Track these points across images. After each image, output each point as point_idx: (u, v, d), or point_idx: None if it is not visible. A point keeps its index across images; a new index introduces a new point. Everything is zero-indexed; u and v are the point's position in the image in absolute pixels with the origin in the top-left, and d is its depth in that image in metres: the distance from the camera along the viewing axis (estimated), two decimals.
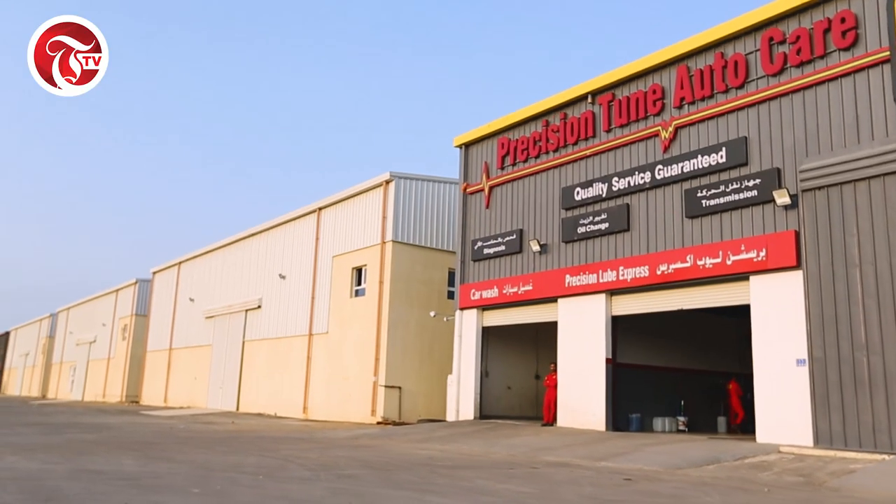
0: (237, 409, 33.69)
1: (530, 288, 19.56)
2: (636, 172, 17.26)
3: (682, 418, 19.16)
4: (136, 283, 51.16)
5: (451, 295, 26.68)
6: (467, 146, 22.83)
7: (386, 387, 24.49)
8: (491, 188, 21.64)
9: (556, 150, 19.69)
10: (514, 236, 20.43)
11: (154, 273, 48.34)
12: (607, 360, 17.39)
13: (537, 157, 20.25)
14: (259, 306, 33.52)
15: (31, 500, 7.41)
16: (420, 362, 25.42)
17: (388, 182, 26.10)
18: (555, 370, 18.92)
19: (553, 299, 19.00)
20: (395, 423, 23.67)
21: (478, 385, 21.14)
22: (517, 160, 20.88)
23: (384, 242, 25.73)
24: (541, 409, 23.45)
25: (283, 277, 31.87)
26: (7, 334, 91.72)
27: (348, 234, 28.01)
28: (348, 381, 26.33)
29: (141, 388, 46.95)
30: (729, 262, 14.80)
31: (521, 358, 23.62)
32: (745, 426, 19.58)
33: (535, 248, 19.46)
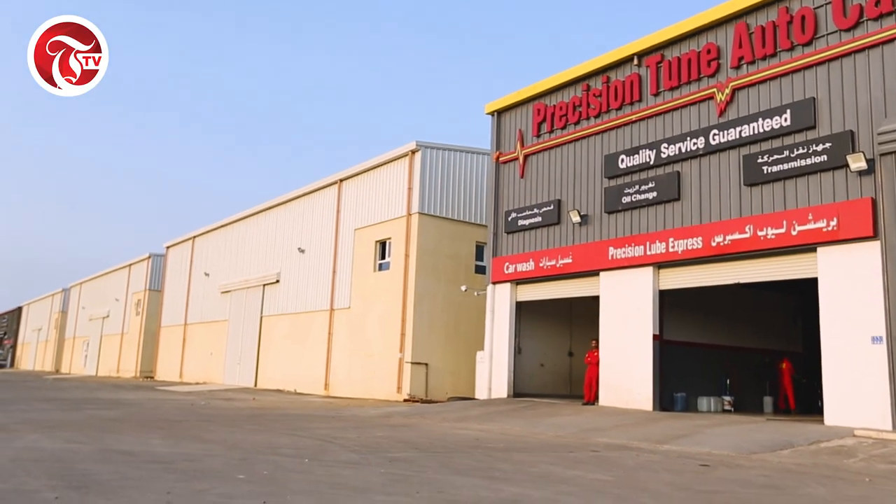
0: (255, 385, 33.02)
1: (570, 261, 18.59)
2: (688, 138, 16.19)
3: (727, 398, 18.24)
4: (149, 257, 50.46)
5: (478, 269, 25.78)
6: (499, 113, 21.76)
7: (412, 363, 23.67)
8: (526, 157, 20.60)
9: (597, 116, 18.61)
10: (552, 207, 19.43)
11: (167, 248, 47.58)
12: (654, 337, 16.46)
13: (577, 123, 19.18)
14: (277, 281, 32.70)
15: (62, 488, 6.58)
16: (447, 338, 24.58)
17: (414, 152, 25.08)
18: (596, 347, 18.02)
19: (594, 273, 18.04)
20: (422, 401, 22.89)
21: (511, 362, 20.27)
22: (554, 127, 19.82)
23: (410, 215, 24.77)
24: (574, 386, 22.65)
25: (302, 251, 30.99)
26: (20, 309, 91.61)
27: (371, 206, 27.06)
28: (372, 357, 25.53)
29: (155, 363, 46.43)
30: (794, 233, 13.78)
31: (555, 334, 22.72)
32: (795, 408, 18.69)
33: (575, 219, 18.47)
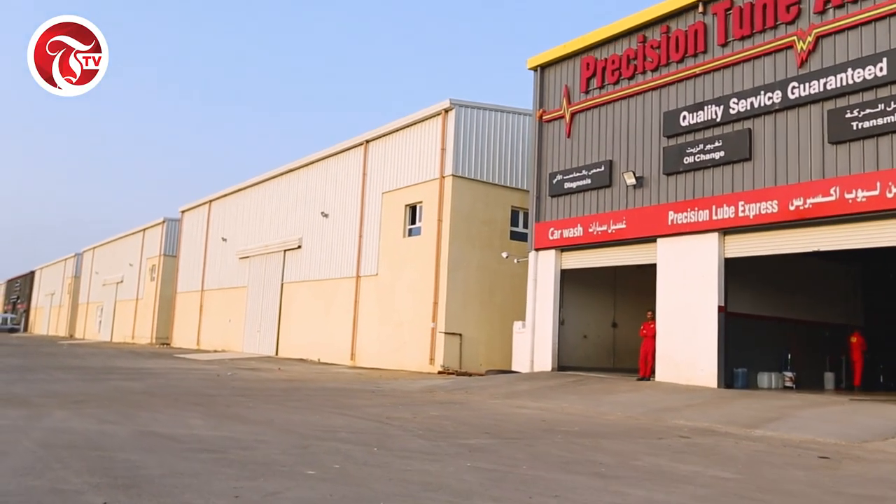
0: (276, 353, 32.14)
1: (623, 226, 17.34)
2: (761, 92, 14.79)
3: (788, 374, 17.10)
4: (163, 222, 49.42)
5: (514, 235, 24.58)
6: (543, 69, 20.33)
7: (445, 333, 22.61)
8: (573, 115, 19.23)
9: (655, 70, 17.19)
10: (602, 168, 18.12)
11: (183, 212, 46.49)
12: (720, 308, 15.26)
13: (631, 77, 17.77)
14: (299, 246, 31.59)
15: (107, 488, 5.48)
16: (481, 308, 23.48)
17: (447, 110, 23.70)
18: (652, 318, 16.85)
19: (651, 239, 16.81)
20: (457, 373, 21.88)
21: (555, 333, 19.15)
22: (605, 82, 18.41)
23: (443, 177, 23.49)
24: (619, 359, 21.59)
25: (325, 216, 29.81)
26: (32, 273, 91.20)
27: (400, 168, 25.77)
28: (402, 326, 24.48)
29: (171, 329, 45.67)
30: (889, 195, 12.47)
31: (598, 304, 21.55)
32: (859, 385, 17.57)
33: (630, 181, 17.17)
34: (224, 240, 39.27)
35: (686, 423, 11.15)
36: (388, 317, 25.20)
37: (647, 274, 22.12)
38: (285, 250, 32.68)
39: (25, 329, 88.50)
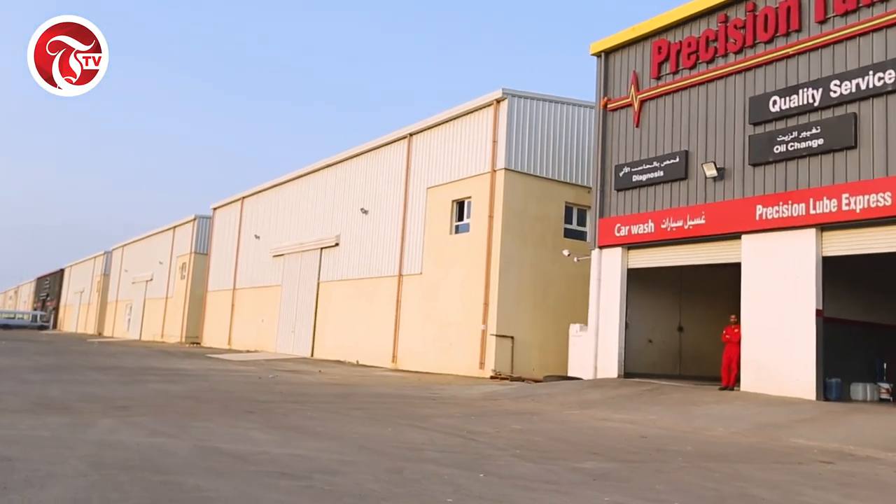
0: (311, 354, 31.05)
1: (701, 222, 15.94)
2: (870, 73, 13.33)
3: (885, 385, 15.61)
4: (194, 219, 48.66)
5: (568, 233, 23.25)
6: (607, 54, 18.98)
7: (497, 336, 21.32)
8: (642, 102, 17.86)
9: (739, 52, 15.77)
10: (677, 159, 16.74)
11: (215, 209, 45.67)
12: (817, 313, 13.81)
13: (711, 61, 16.36)
14: (336, 244, 30.47)
15: None
16: (534, 309, 22.16)
17: (499, 101, 22.41)
18: (736, 322, 15.43)
19: (734, 235, 15.39)
20: (511, 379, 20.59)
21: (622, 338, 17.79)
22: (680, 67, 17.02)
23: (494, 171, 22.20)
24: (685, 366, 20.18)
25: (365, 212, 28.67)
26: (62, 271, 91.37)
27: (447, 162, 24.53)
28: (448, 328, 23.23)
29: (202, 328, 44.84)
30: None
31: (663, 306, 20.14)
32: None
33: (711, 172, 15.76)
34: (257, 237, 38.32)
35: (808, 442, 9.77)
36: (434, 317, 23.97)
37: (716, 274, 20.69)
38: (322, 248, 31.59)
39: (54, 326, 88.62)
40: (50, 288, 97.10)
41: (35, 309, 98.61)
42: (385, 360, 26.02)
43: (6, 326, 74.65)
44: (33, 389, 13.29)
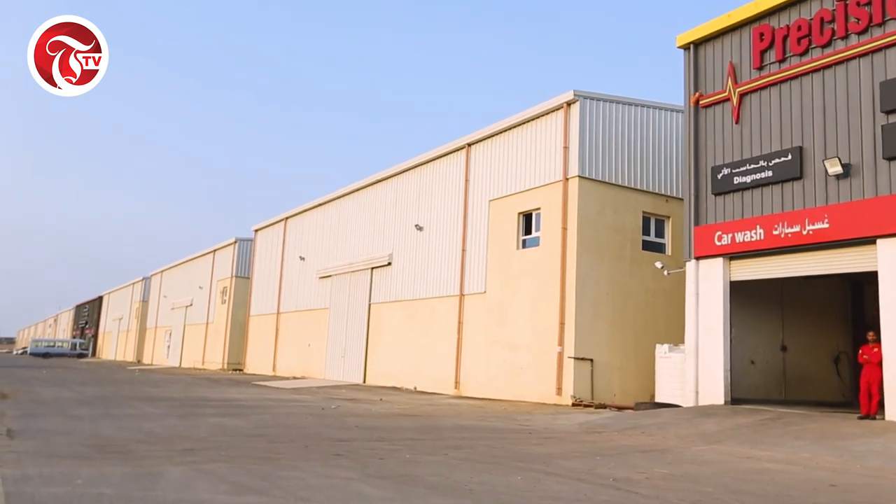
0: (363, 380, 29.41)
1: (825, 225, 14.02)
2: None
3: None
4: (235, 242, 47.65)
5: (646, 245, 21.41)
6: (697, 46, 17.25)
7: (575, 359, 19.45)
8: (742, 96, 16.06)
9: (863, 32, 13.93)
10: (789, 157, 14.87)
11: (256, 231, 44.54)
12: None
13: (827, 45, 14.54)
14: (388, 263, 28.92)
15: None
16: (612, 328, 20.28)
17: (569, 104, 20.76)
18: (876, 341, 13.42)
19: (867, 240, 13.45)
20: (595, 406, 18.69)
21: (727, 359, 15.83)
22: (788, 54, 15.21)
23: (566, 179, 20.49)
24: (790, 389, 18.10)
25: (419, 229, 27.11)
26: (100, 298, 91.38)
27: (511, 172, 22.89)
28: (518, 351, 21.43)
29: (244, 355, 43.51)
30: None
31: (764, 324, 18.13)
32: None
33: (835, 169, 13.87)
34: (302, 259, 36.98)
35: None
36: (501, 339, 22.19)
37: (822, 285, 18.67)
38: (373, 268, 30.06)
39: (93, 354, 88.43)
40: (89, 315, 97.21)
41: (74, 337, 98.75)
42: (446, 387, 24.27)
43: (46, 355, 74.42)
44: (83, 426, 11.80)
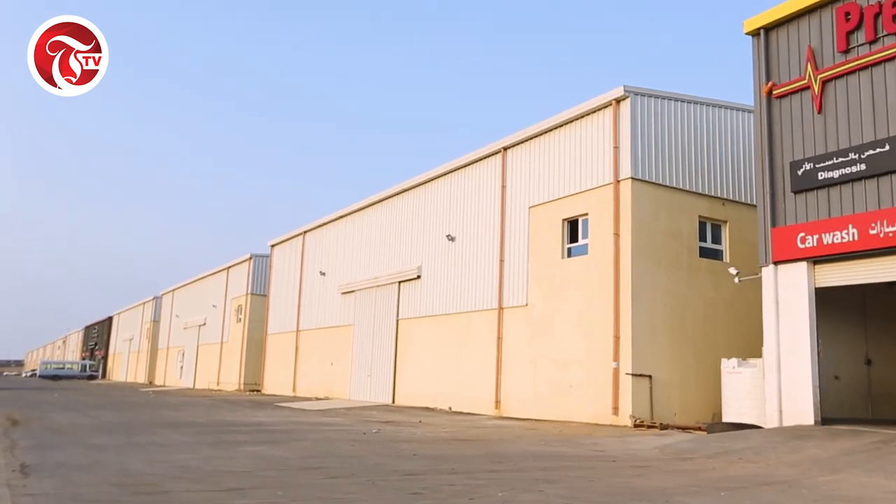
0: (392, 400, 27.83)
1: None
2: None
3: None
4: (250, 258, 46.28)
5: (703, 252, 19.89)
6: (768, 30, 15.80)
7: (633, 375, 17.87)
8: (824, 83, 14.58)
9: None
10: (887, 147, 13.35)
11: (272, 246, 43.16)
12: None
13: None
14: (417, 276, 27.43)
15: None
16: (671, 342, 18.71)
17: (619, 100, 19.33)
18: None
19: None
20: (660, 427, 17.09)
21: (815, 374, 14.22)
22: (881, 33, 13.75)
23: (618, 181, 19.01)
24: (876, 408, 16.46)
25: (451, 239, 25.65)
26: (110, 319, 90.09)
27: (553, 176, 21.44)
28: (567, 367, 19.85)
29: (262, 374, 41.97)
30: None
31: (846, 335, 16.60)
32: None
33: None
34: (322, 274, 35.53)
35: None
36: (546, 355, 20.62)
37: None
38: (400, 282, 28.57)
39: (104, 376, 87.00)
40: (98, 336, 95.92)
41: (83, 358, 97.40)
42: (484, 407, 22.68)
43: (56, 377, 73.14)
44: (107, 459, 10.32)
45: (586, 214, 20.09)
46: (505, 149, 23.57)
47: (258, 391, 41.25)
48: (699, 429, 16.67)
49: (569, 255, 20.70)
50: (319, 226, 37.13)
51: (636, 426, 17.18)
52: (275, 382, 39.79)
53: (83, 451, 11.47)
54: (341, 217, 34.82)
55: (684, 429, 16.99)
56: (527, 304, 21.70)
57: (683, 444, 13.34)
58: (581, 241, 20.33)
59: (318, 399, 31.73)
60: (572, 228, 20.76)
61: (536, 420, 19.85)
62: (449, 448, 12.72)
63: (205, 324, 53.52)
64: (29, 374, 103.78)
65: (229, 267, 50.13)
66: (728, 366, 16.70)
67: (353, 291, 32.23)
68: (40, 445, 12.17)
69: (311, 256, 37.69)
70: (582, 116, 20.62)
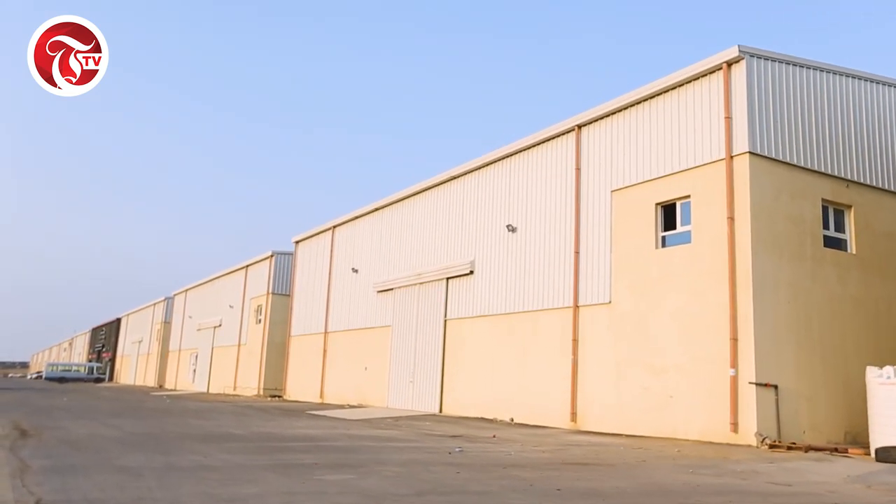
0: (440, 410, 25.00)
1: None
2: None
3: None
4: (272, 256, 43.52)
5: (827, 241, 17.05)
6: None
7: (757, 385, 14.99)
8: None
9: None
10: None
11: (297, 243, 40.37)
12: None
13: None
14: (470, 272, 24.60)
15: None
16: (798, 346, 15.86)
17: (730, 63, 16.52)
18: None
19: None
20: (807, 449, 14.19)
21: None
22: None
23: (731, 157, 16.19)
24: None
25: (512, 230, 22.83)
26: (118, 321, 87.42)
27: (642, 154, 18.63)
28: (666, 374, 16.99)
29: (284, 379, 39.13)
30: None
31: None
32: None
33: None
34: (355, 271, 32.72)
35: None
36: (638, 360, 17.77)
37: None
38: (448, 278, 25.75)
39: (111, 378, 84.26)
40: (105, 338, 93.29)
41: (90, 360, 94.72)
42: (557, 419, 19.82)
43: (62, 379, 70.54)
44: (150, 494, 7.51)
45: (687, 197, 17.27)
46: (579, 126, 20.75)
47: (279, 397, 38.43)
48: (845, 451, 13.81)
49: (663, 245, 17.87)
50: (350, 220, 34.36)
51: (772, 447, 14.28)
52: (299, 388, 36.96)
53: (115, 477, 8.68)
54: (377, 209, 32.04)
55: (818, 449, 14.11)
56: (610, 302, 18.86)
57: (880, 475, 10.46)
58: (680, 229, 17.50)
59: (351, 407, 28.91)
60: (667, 214, 17.93)
61: (628, 436, 17.00)
62: (577, 477, 9.87)
63: (220, 325, 50.75)
64: (34, 375, 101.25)
65: (248, 265, 47.38)
66: (877, 375, 13.89)
67: (390, 290, 29.42)
68: (58, 469, 9.39)
69: (340, 253, 34.91)
70: (680, 85, 17.83)
